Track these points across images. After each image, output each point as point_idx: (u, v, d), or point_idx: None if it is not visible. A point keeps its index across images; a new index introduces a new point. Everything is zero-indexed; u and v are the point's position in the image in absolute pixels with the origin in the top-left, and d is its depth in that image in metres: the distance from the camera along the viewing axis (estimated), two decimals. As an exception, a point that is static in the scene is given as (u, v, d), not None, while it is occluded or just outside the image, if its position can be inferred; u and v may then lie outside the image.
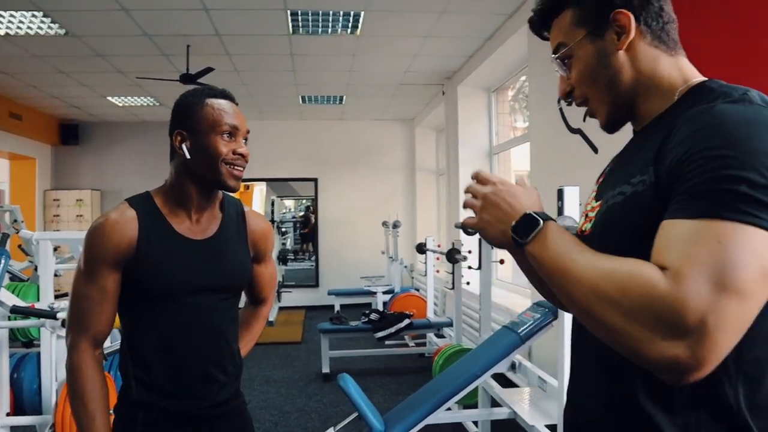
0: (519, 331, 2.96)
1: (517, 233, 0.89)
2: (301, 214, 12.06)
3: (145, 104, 8.04)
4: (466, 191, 1.00)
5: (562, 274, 0.83)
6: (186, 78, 5.63)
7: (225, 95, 1.50)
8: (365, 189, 9.72)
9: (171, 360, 1.43)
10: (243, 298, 1.71)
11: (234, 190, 1.49)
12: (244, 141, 1.49)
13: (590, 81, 0.99)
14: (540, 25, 1.07)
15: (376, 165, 9.77)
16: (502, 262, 3.88)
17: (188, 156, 1.44)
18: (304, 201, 11.98)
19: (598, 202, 1.01)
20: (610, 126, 1.03)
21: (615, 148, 1.07)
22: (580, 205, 2.54)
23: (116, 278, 1.40)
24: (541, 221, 0.88)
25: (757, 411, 0.81)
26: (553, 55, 1.03)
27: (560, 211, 2.54)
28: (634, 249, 0.82)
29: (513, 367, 3.13)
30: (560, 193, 2.50)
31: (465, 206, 0.99)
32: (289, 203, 12.75)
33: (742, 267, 0.70)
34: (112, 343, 2.87)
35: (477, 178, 0.99)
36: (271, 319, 8.04)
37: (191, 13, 4.71)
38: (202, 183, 1.48)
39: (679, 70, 0.96)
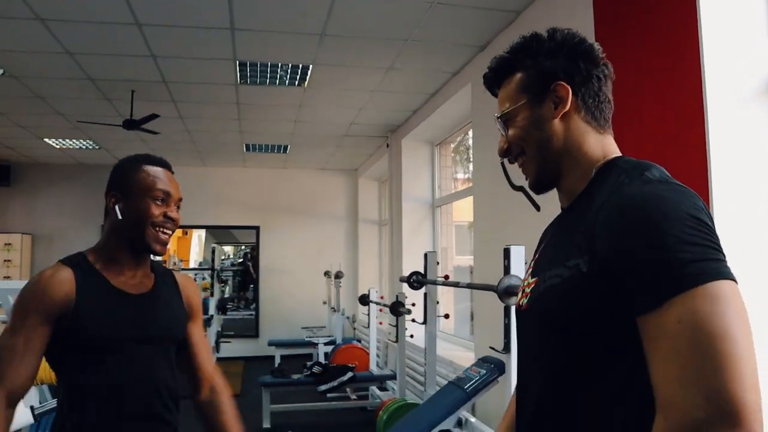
0: (465, 387, 2.97)
1: None
2: (240, 260, 11.82)
3: (84, 147, 7.78)
4: None
5: None
6: (129, 123, 5.53)
7: (161, 163, 1.58)
8: (307, 238, 9.65)
9: (111, 410, 1.43)
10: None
11: (159, 254, 1.56)
12: (176, 208, 1.56)
13: (524, 140, 1.07)
14: (492, 81, 1.15)
15: (318, 214, 9.76)
16: (446, 316, 3.90)
17: (120, 216, 1.50)
18: (243, 247, 11.79)
19: (534, 279, 1.05)
20: (538, 185, 1.10)
21: (557, 208, 1.12)
22: (526, 263, 2.59)
23: (44, 332, 1.39)
24: None
25: None
26: (496, 115, 1.11)
27: (507, 270, 2.58)
28: (573, 326, 0.90)
29: (459, 423, 3.13)
30: (507, 252, 2.55)
31: None
32: (228, 249, 12.51)
33: (716, 320, 0.74)
34: (42, 403, 2.71)
35: None
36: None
37: (138, 59, 4.66)
38: (130, 245, 1.53)
39: (603, 147, 1.04)
